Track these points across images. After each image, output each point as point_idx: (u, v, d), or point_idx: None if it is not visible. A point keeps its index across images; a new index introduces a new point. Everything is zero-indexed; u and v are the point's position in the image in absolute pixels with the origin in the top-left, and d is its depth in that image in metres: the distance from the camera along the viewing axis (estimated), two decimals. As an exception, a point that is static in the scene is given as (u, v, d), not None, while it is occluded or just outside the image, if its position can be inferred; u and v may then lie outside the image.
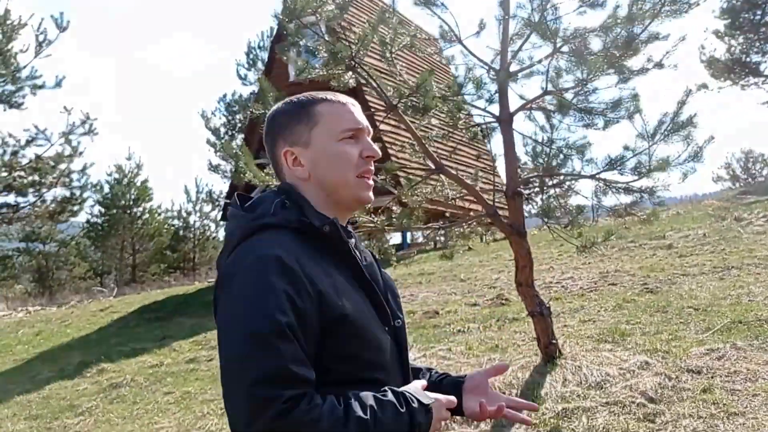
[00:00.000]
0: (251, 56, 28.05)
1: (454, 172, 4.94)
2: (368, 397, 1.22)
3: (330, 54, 4.52)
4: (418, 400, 1.27)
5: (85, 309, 14.46)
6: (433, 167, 4.95)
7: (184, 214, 34.86)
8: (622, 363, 5.05)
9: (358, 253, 1.40)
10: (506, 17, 4.83)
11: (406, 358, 1.42)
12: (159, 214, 34.28)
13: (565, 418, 4.28)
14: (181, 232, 34.14)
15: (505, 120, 5.03)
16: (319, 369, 1.21)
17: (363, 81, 5.26)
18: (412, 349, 6.20)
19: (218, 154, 27.30)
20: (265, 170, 4.85)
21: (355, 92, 5.68)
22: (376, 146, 1.40)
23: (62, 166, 12.56)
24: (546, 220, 4.84)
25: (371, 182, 1.41)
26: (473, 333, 6.84)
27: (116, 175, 33.17)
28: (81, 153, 13.93)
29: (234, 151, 4.67)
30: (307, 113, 1.37)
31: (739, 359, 4.86)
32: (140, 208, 32.85)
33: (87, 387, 7.18)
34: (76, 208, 13.93)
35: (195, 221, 34.52)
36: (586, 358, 5.21)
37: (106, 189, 32.81)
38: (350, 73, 5.32)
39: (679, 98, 4.62)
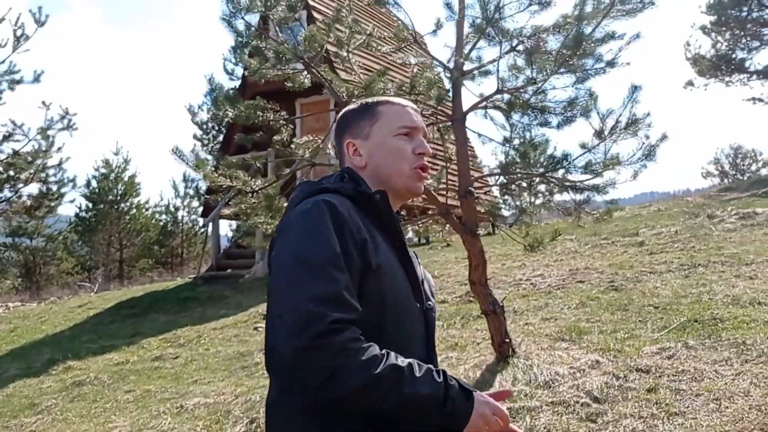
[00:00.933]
0: (238, 51, 27.93)
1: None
2: (407, 358, 1.30)
3: (275, 54, 4.49)
4: (459, 384, 1.34)
5: (63, 305, 14.41)
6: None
7: (172, 209, 34.75)
8: (574, 362, 5.06)
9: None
10: (459, 17, 4.80)
11: (433, 341, 1.51)
12: (147, 209, 34.14)
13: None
14: (169, 227, 34.01)
15: (457, 119, 5.02)
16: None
17: (321, 80, 5.26)
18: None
19: (204, 149, 27.21)
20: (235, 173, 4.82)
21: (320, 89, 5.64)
22: (427, 145, 1.55)
23: (39, 162, 12.47)
24: (492, 219, 4.82)
25: (425, 175, 1.55)
26: (436, 330, 6.83)
27: (103, 170, 33.00)
28: (60, 148, 13.85)
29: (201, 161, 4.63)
30: (370, 111, 1.56)
31: (688, 358, 4.88)
32: (128, 203, 32.70)
33: (51, 385, 7.15)
34: (53, 203, 13.86)
35: (183, 216, 34.40)
36: (539, 357, 5.22)
37: (94, 184, 32.70)
38: (305, 72, 5.33)
39: (624, 97, 4.60)
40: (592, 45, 4.93)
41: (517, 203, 5.24)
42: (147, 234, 32.73)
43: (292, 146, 5.08)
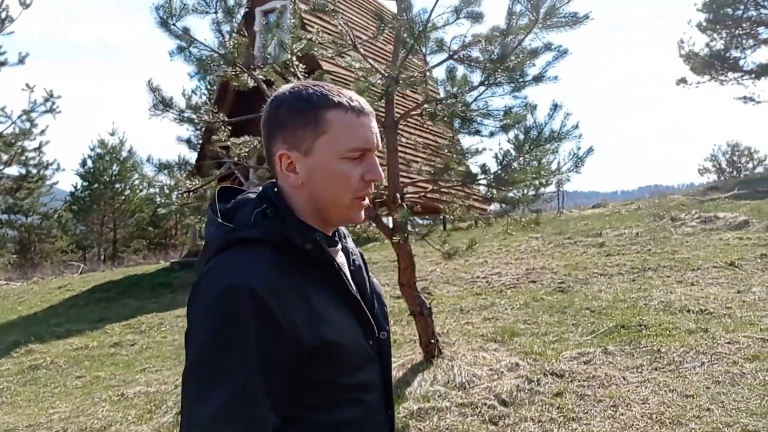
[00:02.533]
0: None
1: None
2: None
3: (199, 60, 4.64)
4: None
5: (44, 286, 14.64)
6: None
7: (167, 191, 34.83)
8: (495, 364, 5.24)
9: (346, 260, 1.36)
10: (393, 26, 4.93)
11: (389, 372, 1.38)
12: (141, 190, 34.31)
13: (418, 418, 4.47)
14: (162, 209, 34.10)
15: (389, 126, 5.16)
16: (298, 394, 1.18)
17: (258, 83, 5.40)
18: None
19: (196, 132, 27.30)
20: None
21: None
22: (379, 168, 1.29)
23: (19, 144, 12.63)
24: (408, 227, 4.98)
25: (365, 204, 1.31)
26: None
27: (99, 150, 33.19)
28: (43, 131, 14.00)
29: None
30: (315, 118, 1.24)
31: (603, 364, 5.05)
32: (122, 184, 32.90)
33: (9, 368, 7.36)
34: (32, 186, 14.02)
35: (177, 198, 34.46)
36: (464, 358, 5.40)
37: (89, 164, 32.93)
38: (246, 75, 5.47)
39: (548, 111, 4.74)
40: (522, 58, 5.06)
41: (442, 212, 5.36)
42: (140, 215, 33.03)
43: (228, 146, 5.24)
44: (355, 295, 1.29)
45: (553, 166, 5.40)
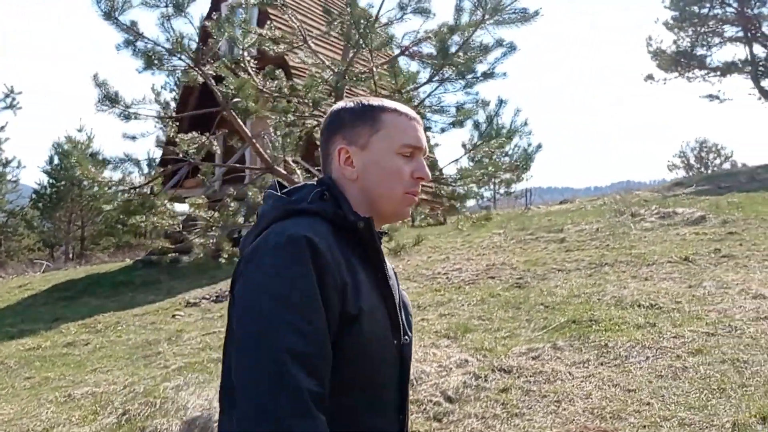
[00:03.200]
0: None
1: (285, 172, 5.03)
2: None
3: (145, 55, 4.56)
4: None
5: (4, 285, 14.36)
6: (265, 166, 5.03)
7: (111, 188, 34.37)
8: (444, 361, 5.24)
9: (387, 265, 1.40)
10: (341, 21, 4.89)
11: (407, 377, 1.39)
12: (110, 188, 33.67)
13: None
14: (132, 207, 33.62)
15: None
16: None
17: (206, 79, 5.32)
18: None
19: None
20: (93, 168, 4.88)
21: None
22: (427, 169, 1.39)
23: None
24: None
25: (415, 199, 1.39)
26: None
27: (66, 146, 32.66)
28: (2, 128, 13.69)
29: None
30: (372, 116, 1.36)
31: (551, 359, 5.08)
32: (90, 181, 32.31)
33: (-43, 369, 7.19)
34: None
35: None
36: (414, 355, 5.38)
37: (56, 160, 32.39)
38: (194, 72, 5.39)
39: (490, 111, 4.73)
40: (471, 54, 5.05)
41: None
42: (109, 212, 32.53)
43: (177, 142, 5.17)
44: (391, 287, 1.35)
45: (507, 161, 5.41)
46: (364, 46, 4.50)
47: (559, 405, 4.30)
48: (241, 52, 5.51)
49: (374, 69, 4.70)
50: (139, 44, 5.22)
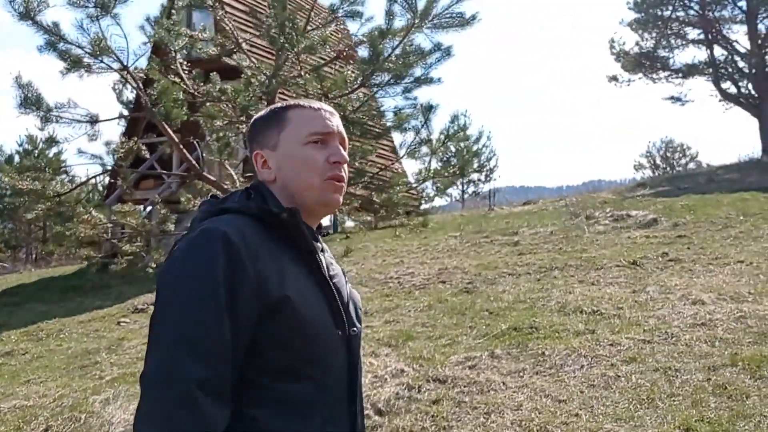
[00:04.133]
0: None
1: (213, 178, 4.90)
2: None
3: (68, 57, 4.40)
4: None
5: (-47, 289, 13.94)
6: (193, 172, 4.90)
7: (100, 188, 33.94)
8: (380, 371, 5.15)
9: (322, 257, 1.40)
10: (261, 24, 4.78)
11: (357, 370, 1.39)
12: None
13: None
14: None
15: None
16: (256, 354, 1.20)
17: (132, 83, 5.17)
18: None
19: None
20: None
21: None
22: (343, 152, 1.39)
23: None
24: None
25: (340, 185, 1.38)
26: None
27: (27, 146, 32.03)
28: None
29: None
30: (278, 117, 1.40)
31: (487, 369, 5.02)
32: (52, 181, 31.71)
33: None
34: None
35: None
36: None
37: (17, 159, 31.72)
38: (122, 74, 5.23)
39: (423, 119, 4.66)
40: (407, 60, 4.97)
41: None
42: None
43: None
44: (326, 277, 1.34)
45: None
46: (290, 49, 4.38)
47: (489, 417, 4.24)
48: (173, 55, 5.38)
49: (302, 73, 4.58)
50: (62, 46, 5.07)
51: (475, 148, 30.31)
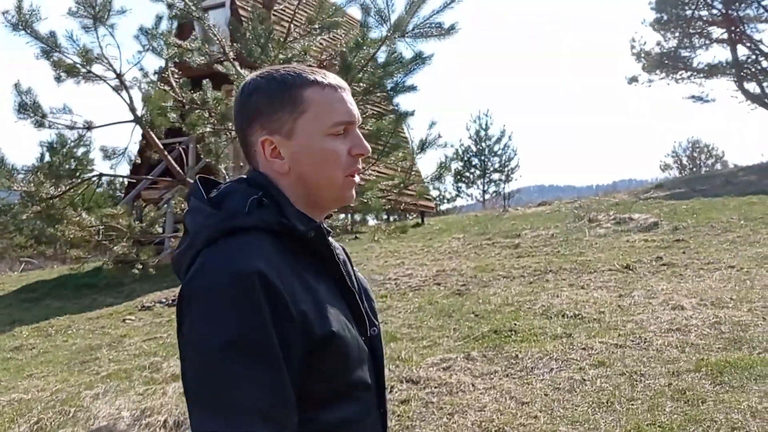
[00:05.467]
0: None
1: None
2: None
3: (61, 66, 4.66)
4: None
5: (-23, 285, 14.45)
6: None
7: (118, 186, 34.71)
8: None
9: (337, 256, 1.29)
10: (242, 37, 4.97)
11: (382, 369, 1.31)
12: (99, 186, 33.83)
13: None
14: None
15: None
16: (302, 390, 1.10)
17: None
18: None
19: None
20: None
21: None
22: (365, 141, 1.25)
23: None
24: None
25: (357, 180, 1.26)
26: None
27: (56, 145, 32.72)
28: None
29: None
30: (292, 98, 1.19)
31: (461, 370, 5.14)
32: (78, 179, 32.44)
33: None
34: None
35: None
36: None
37: (47, 158, 32.47)
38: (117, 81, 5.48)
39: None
40: (388, 69, 5.13)
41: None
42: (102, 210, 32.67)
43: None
44: (352, 288, 1.25)
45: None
46: (266, 61, 4.56)
47: (452, 417, 4.37)
48: (163, 62, 5.61)
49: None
50: (57, 56, 5.32)
51: (496, 148, 30.40)
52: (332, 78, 1.24)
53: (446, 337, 6.05)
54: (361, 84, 4.90)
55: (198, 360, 1.06)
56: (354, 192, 1.27)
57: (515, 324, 6.02)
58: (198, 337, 1.06)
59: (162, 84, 5.55)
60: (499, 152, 29.51)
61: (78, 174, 6.08)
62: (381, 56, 5.78)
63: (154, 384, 5.55)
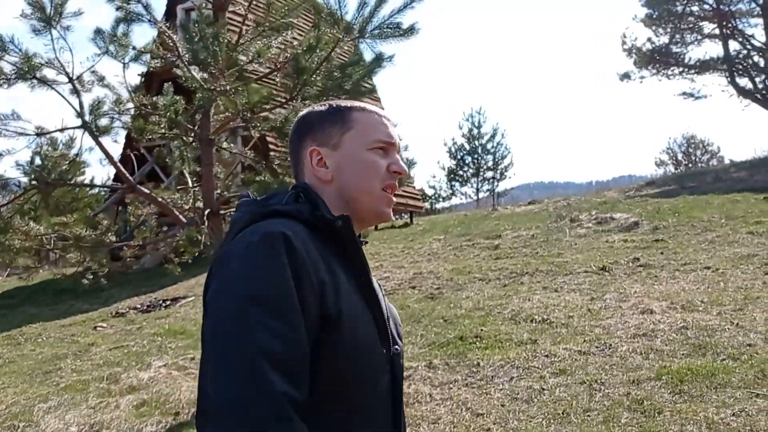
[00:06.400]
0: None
1: (147, 191, 4.98)
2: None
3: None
4: None
5: (-41, 291, 14.31)
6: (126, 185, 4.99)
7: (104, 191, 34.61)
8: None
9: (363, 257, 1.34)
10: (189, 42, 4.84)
11: (400, 390, 1.31)
12: (92, 189, 33.72)
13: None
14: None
15: (204, 140, 5.07)
16: (311, 368, 1.11)
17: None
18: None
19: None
20: None
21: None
22: (404, 164, 1.36)
23: None
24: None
25: (393, 200, 1.34)
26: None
27: (47, 148, 32.61)
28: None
29: None
30: (342, 116, 1.33)
31: (421, 380, 5.02)
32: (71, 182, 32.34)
33: None
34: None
35: None
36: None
37: (38, 161, 32.35)
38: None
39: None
40: (345, 71, 5.01)
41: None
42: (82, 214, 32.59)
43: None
44: (376, 293, 1.28)
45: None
46: (213, 65, 4.43)
47: (404, 430, 4.24)
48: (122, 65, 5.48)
49: (228, 88, 4.63)
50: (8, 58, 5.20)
51: (489, 146, 30.28)
52: (377, 109, 1.38)
53: (411, 344, 5.92)
54: (316, 86, 4.76)
55: (220, 308, 1.10)
56: (390, 210, 1.33)
57: (482, 330, 5.89)
58: (224, 288, 1.11)
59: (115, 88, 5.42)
60: (492, 150, 29.39)
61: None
62: (346, 58, 5.68)
63: (109, 396, 5.43)
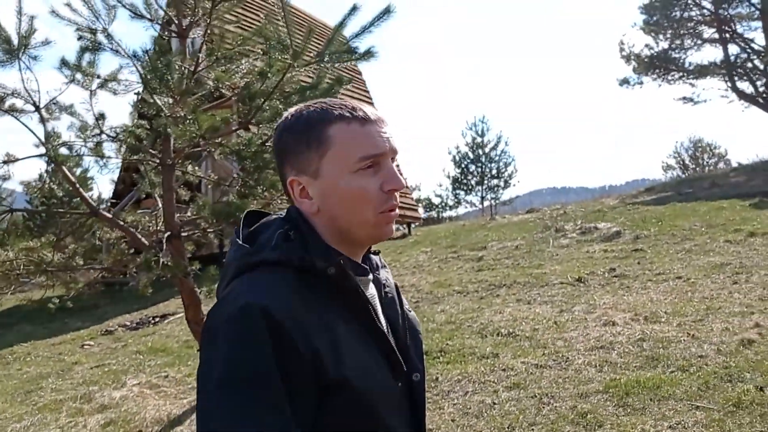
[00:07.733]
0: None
1: (110, 216, 5.13)
2: None
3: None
4: None
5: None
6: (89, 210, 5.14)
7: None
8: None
9: (377, 292, 1.25)
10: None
11: (421, 420, 1.24)
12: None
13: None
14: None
15: (166, 164, 5.21)
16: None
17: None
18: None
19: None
20: None
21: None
22: (399, 175, 1.18)
23: None
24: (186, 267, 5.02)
25: (394, 215, 1.18)
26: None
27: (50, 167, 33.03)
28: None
29: None
30: (317, 136, 1.14)
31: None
32: (77, 199, 32.73)
33: None
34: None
35: None
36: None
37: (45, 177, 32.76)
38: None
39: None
40: (294, 96, 5.14)
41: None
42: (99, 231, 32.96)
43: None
44: (383, 331, 1.17)
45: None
46: (165, 92, 4.58)
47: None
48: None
49: (182, 114, 4.77)
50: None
51: (493, 154, 30.33)
52: (362, 111, 1.17)
53: (379, 359, 6.00)
54: (272, 111, 4.90)
55: (199, 391, 1.06)
56: (391, 227, 1.20)
57: (447, 344, 5.97)
58: (201, 370, 1.06)
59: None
60: (496, 158, 29.44)
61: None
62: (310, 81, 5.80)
63: (80, 416, 5.56)
